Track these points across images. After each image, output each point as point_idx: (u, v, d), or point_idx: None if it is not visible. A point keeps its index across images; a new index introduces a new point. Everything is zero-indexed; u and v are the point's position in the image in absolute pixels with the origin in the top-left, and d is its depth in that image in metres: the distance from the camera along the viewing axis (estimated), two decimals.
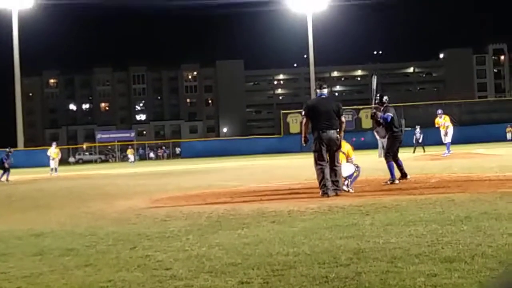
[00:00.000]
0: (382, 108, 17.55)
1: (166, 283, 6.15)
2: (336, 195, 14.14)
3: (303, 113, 15.15)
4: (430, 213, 10.08)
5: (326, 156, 14.66)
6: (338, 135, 14.57)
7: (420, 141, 47.55)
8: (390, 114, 17.38)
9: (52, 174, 40.97)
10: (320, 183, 14.53)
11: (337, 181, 14.49)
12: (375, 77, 18.28)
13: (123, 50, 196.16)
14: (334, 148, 14.59)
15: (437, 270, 5.95)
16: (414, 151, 44.34)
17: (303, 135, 15.12)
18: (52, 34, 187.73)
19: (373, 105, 17.79)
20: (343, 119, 14.85)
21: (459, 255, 6.59)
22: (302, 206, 12.24)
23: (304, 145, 15.36)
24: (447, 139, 34.77)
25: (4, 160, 35.21)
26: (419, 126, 48.81)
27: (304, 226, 9.47)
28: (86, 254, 8.13)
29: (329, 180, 14.46)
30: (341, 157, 15.14)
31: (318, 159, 14.61)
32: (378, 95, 17.92)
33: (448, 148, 34.40)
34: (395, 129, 17.49)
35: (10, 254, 8.40)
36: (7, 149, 37.86)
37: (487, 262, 6.24)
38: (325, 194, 14.23)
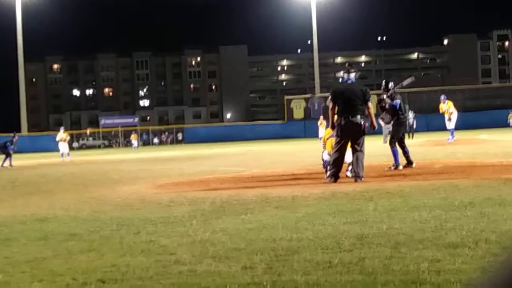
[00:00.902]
0: (388, 95, 17.57)
1: (170, 268, 6.16)
2: (355, 181, 13.96)
3: (329, 98, 15.02)
4: (434, 199, 10.09)
5: (346, 144, 14.50)
6: (362, 121, 14.36)
7: (414, 127, 47.37)
8: (398, 101, 17.44)
9: (64, 159, 40.62)
10: (330, 166, 14.45)
11: (358, 168, 14.20)
12: (413, 78, 18.51)
13: (126, 36, 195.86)
14: (359, 134, 14.37)
15: (440, 256, 5.95)
16: (411, 137, 44.06)
17: (330, 122, 14.94)
18: (56, 20, 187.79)
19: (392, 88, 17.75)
20: (369, 104, 14.64)
21: (463, 240, 6.59)
22: (306, 192, 12.26)
23: (332, 131, 15.27)
24: (451, 125, 34.60)
25: (8, 146, 35.16)
26: (411, 111, 48.61)
27: (308, 212, 9.48)
28: (90, 239, 8.15)
29: (339, 167, 14.42)
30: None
31: (337, 144, 14.53)
32: (384, 81, 18.07)
33: (452, 134, 34.32)
34: (401, 116, 17.57)
35: (14, 239, 8.42)
36: (13, 134, 37.79)
37: (490, 247, 6.24)
38: (332, 177, 14.21)
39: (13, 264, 6.78)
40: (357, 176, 14.14)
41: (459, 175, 14.09)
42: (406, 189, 11.84)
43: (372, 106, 14.87)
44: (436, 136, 43.86)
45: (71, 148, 42.76)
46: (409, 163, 17.32)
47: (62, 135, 42.31)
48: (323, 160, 15.92)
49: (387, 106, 17.58)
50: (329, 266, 5.83)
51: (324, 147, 15.96)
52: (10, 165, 34.06)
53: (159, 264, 6.36)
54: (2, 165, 34.15)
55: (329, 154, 15.37)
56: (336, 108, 14.65)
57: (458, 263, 5.66)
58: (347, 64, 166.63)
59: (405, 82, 18.16)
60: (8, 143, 35.40)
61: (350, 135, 14.44)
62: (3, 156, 35.32)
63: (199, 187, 14.89)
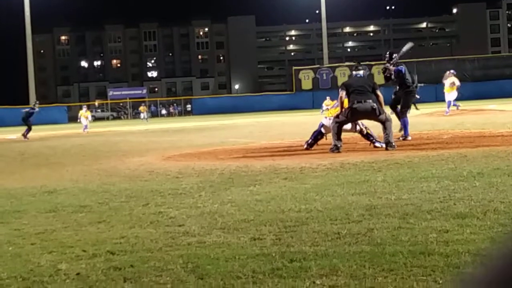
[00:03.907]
0: (392, 62, 17.53)
1: (178, 239, 6.18)
2: (387, 149, 14.35)
3: (340, 90, 15.44)
4: (442, 169, 10.08)
5: (344, 124, 15.01)
6: (374, 104, 14.76)
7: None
8: (402, 66, 17.48)
9: (85, 131, 40.78)
10: (333, 140, 14.70)
11: (388, 136, 14.61)
12: (411, 44, 18.53)
13: (134, 7, 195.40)
14: (372, 115, 14.87)
15: (449, 226, 5.96)
16: (416, 108, 43.47)
17: (340, 109, 15.26)
18: None
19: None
20: (378, 93, 15.10)
21: (471, 211, 6.59)
22: (314, 163, 12.26)
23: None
24: (451, 97, 33.39)
25: (29, 116, 34.77)
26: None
27: (316, 183, 9.49)
28: (99, 210, 8.19)
29: (341, 140, 14.81)
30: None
31: (339, 121, 14.81)
32: (388, 53, 18.05)
33: (449, 106, 33.30)
34: (409, 85, 17.53)
35: (24, 211, 8.46)
36: (33, 104, 37.47)
37: (499, 218, 6.24)
38: (335, 150, 14.38)
39: (23, 236, 6.82)
40: (389, 144, 14.49)
41: (468, 145, 14.07)
42: (415, 159, 11.83)
43: (381, 95, 15.19)
44: (445, 106, 43.60)
45: (79, 120, 43.48)
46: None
47: (84, 113, 43.00)
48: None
49: (393, 75, 17.55)
50: (338, 237, 5.84)
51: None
52: (25, 137, 33.54)
53: (168, 235, 6.39)
54: (26, 137, 33.50)
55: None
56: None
57: (467, 233, 5.67)
58: (355, 34, 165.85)
59: (404, 48, 18.17)
60: (29, 113, 35.08)
61: (361, 117, 15.15)
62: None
63: (208, 159, 14.92)
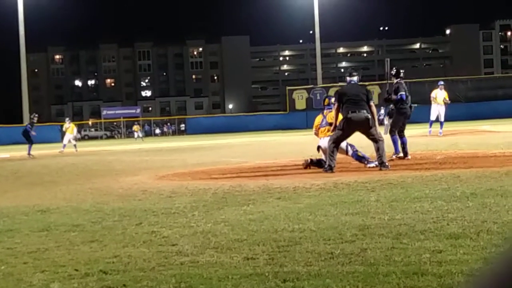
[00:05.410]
0: (394, 84, 17.70)
1: (171, 259, 6.17)
2: (380, 169, 14.27)
3: (333, 99, 15.44)
4: (435, 190, 10.08)
5: (344, 139, 15.02)
6: (369, 115, 14.73)
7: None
8: (403, 93, 17.59)
9: (62, 150, 39.71)
10: (327, 160, 14.71)
11: (381, 156, 14.56)
12: (388, 60, 18.72)
13: (128, 26, 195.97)
14: (367, 127, 14.77)
15: (442, 247, 5.95)
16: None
17: (334, 121, 15.23)
18: (57, 9, 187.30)
19: (387, 82, 17.97)
20: (372, 103, 15.05)
21: (465, 231, 6.59)
22: (308, 183, 12.26)
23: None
24: (443, 116, 33.13)
25: (29, 130, 34.35)
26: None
27: (310, 203, 9.49)
28: (92, 230, 8.16)
29: (335, 159, 14.75)
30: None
31: (335, 139, 14.78)
32: (392, 70, 18.12)
33: (432, 126, 33.30)
34: (402, 105, 17.63)
35: (16, 230, 8.43)
36: (31, 116, 36.89)
37: (492, 238, 6.24)
38: (328, 170, 14.39)
39: (16, 255, 6.79)
40: (382, 164, 14.47)
41: (461, 166, 14.08)
42: (408, 179, 11.84)
43: (374, 105, 15.20)
44: (438, 127, 43.69)
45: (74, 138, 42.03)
46: (405, 154, 17.23)
47: (68, 126, 41.75)
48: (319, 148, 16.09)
49: (393, 100, 17.83)
50: (331, 257, 5.83)
51: (318, 135, 16.22)
52: (29, 154, 33.00)
53: (161, 255, 6.37)
54: (29, 154, 32.98)
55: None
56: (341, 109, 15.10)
57: (460, 253, 5.67)
58: (349, 55, 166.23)
59: (387, 69, 18.35)
60: (29, 126, 34.70)
61: (356, 129, 14.92)
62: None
63: (201, 178, 14.91)
